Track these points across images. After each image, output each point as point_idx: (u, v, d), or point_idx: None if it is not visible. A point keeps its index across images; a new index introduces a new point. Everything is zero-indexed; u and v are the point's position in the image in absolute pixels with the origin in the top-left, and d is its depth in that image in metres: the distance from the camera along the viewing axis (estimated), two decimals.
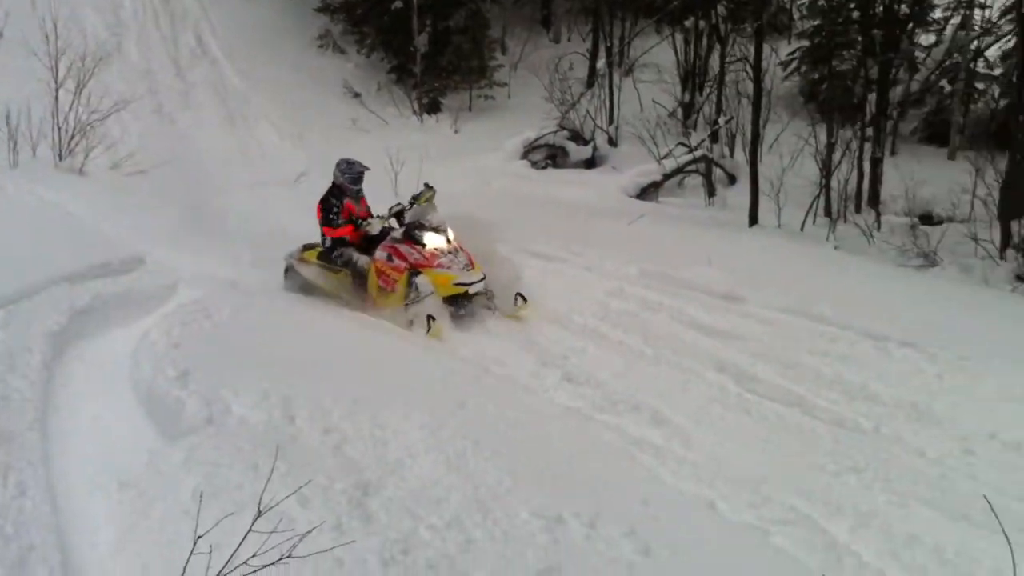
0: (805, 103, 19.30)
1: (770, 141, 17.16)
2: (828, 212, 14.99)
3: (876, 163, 15.94)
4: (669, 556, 4.37)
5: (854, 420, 6.47)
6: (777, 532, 4.98)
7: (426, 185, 9.13)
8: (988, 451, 6.06)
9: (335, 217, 9.22)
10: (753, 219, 13.77)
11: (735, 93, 18.02)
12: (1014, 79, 15.71)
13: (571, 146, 19.09)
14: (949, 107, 19.16)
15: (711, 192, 16.50)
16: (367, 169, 9.47)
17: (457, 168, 16.43)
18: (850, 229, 14.20)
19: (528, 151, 18.80)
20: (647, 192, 16.80)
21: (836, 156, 15.01)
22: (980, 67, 19.54)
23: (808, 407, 6.72)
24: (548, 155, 18.94)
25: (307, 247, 9.70)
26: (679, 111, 19.89)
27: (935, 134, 19.49)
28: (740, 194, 15.25)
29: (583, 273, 9.95)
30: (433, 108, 21.45)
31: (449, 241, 8.81)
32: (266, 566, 3.16)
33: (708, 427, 6.39)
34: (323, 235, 9.38)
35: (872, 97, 16.33)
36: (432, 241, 8.74)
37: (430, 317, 8.18)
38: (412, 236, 8.80)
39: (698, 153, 17.11)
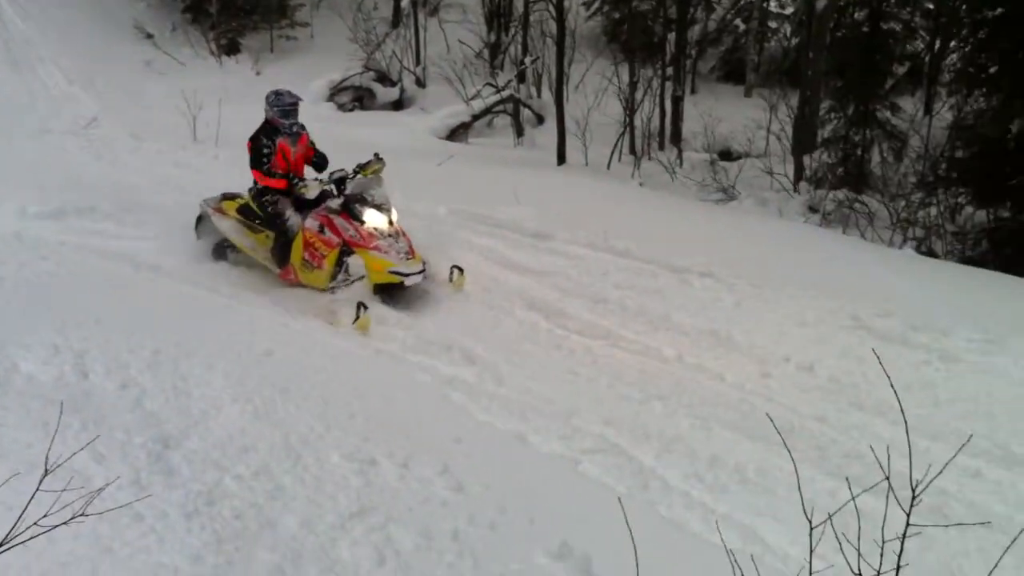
0: (608, 43, 19.63)
1: (575, 81, 17.38)
2: (633, 150, 15.35)
3: (677, 101, 16.40)
4: (482, 491, 4.41)
5: (658, 350, 6.67)
6: (587, 461, 5.08)
7: (375, 156, 8.00)
8: (783, 373, 6.36)
9: (267, 160, 7.89)
10: (561, 158, 13.93)
11: (540, 33, 18.11)
12: (804, 18, 16.36)
13: (378, 88, 18.81)
14: (744, 46, 19.84)
15: (519, 132, 16.61)
16: (299, 100, 8.18)
17: (259, 111, 15.88)
18: (654, 166, 14.59)
19: (334, 93, 18.42)
20: (456, 133, 16.76)
21: (639, 95, 15.35)
22: (773, 6, 20.30)
23: (615, 339, 6.88)
24: (355, 97, 18.62)
25: (227, 196, 8.46)
26: (486, 52, 19.85)
27: (732, 72, 20.22)
28: (548, 133, 15.40)
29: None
30: (232, 49, 20.65)
31: (391, 223, 7.75)
32: (57, 526, 2.98)
33: (519, 363, 6.45)
34: (255, 181, 8.13)
35: (671, 36, 16.72)
36: (372, 219, 7.66)
37: (361, 305, 7.10)
38: (351, 210, 7.70)
39: (505, 94, 17.16)
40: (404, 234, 7.79)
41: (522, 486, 4.64)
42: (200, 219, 8.66)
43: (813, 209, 13.05)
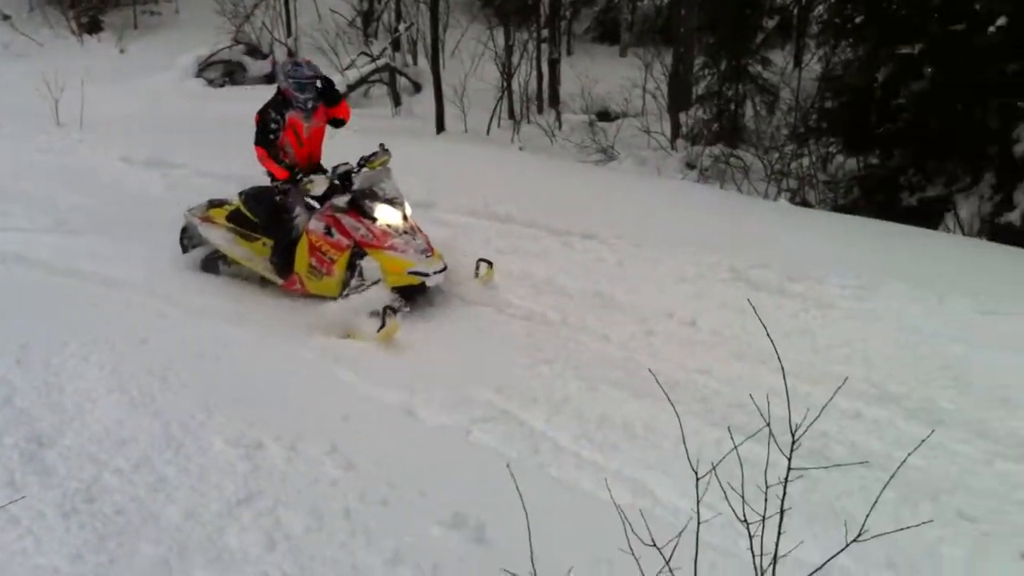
0: (482, 7, 19.52)
1: (451, 47, 17.27)
2: (511, 114, 15.34)
3: (553, 64, 16.43)
4: (372, 467, 4.36)
5: (543, 314, 6.70)
6: (477, 430, 5.07)
7: (381, 146, 7.26)
8: (666, 330, 6.45)
9: (274, 137, 7.04)
10: (440, 126, 13.85)
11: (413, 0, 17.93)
12: None
13: (249, 61, 18.36)
14: (618, 5, 19.96)
15: (397, 101, 16.42)
16: (317, 76, 7.24)
17: (125, 90, 15.44)
18: (533, 130, 14.62)
19: (203, 68, 17.91)
20: None
21: (515, 59, 15.32)
22: None
23: (500, 305, 6.88)
24: (225, 72, 18.14)
25: (214, 204, 7.70)
26: (358, 20, 19.55)
27: (606, 32, 20.33)
28: (426, 102, 15.30)
29: None
30: (94, 27, 19.93)
31: (406, 218, 7.08)
32: None
33: (405, 334, 6.39)
34: (268, 173, 7.25)
35: None
36: (385, 215, 6.97)
37: (387, 309, 6.45)
38: (360, 206, 6.98)
39: (381, 63, 16.94)
40: (420, 230, 7.18)
41: (413, 460, 4.61)
42: (185, 231, 7.90)
43: (691, 166, 13.24)
